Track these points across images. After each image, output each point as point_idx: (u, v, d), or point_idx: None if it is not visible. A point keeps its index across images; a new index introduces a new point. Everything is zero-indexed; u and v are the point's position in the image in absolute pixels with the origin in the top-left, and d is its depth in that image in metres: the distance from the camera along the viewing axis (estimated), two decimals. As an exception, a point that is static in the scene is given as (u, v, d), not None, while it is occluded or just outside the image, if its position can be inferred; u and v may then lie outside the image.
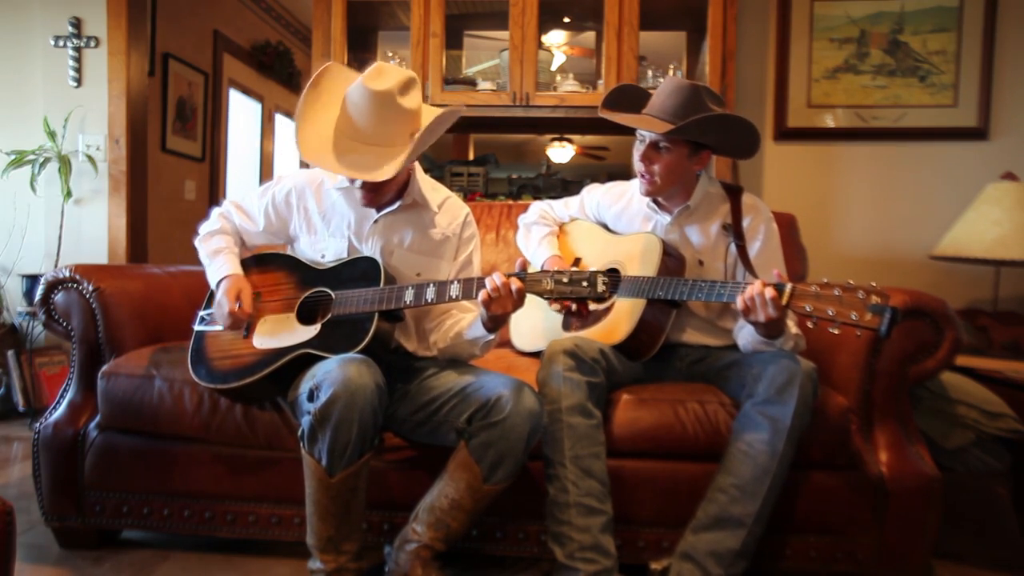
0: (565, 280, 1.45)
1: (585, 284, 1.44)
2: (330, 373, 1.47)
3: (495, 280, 1.49)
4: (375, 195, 1.67)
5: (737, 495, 1.54)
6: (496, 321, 1.58)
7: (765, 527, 1.56)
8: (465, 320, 1.71)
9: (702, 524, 1.57)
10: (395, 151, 1.58)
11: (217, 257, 1.78)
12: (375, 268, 1.65)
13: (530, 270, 1.54)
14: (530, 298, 2.11)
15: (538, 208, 2.17)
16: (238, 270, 1.76)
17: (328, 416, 1.45)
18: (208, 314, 1.82)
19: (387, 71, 1.58)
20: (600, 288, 1.43)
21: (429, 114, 1.64)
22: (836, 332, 1.41)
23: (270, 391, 1.72)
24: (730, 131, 1.73)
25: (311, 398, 1.49)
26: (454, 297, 1.54)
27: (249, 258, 1.84)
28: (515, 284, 1.50)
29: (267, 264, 1.82)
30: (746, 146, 1.76)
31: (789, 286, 1.47)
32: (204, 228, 1.85)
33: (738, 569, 1.54)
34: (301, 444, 1.53)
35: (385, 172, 1.55)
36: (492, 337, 1.65)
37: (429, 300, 1.56)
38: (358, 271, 1.67)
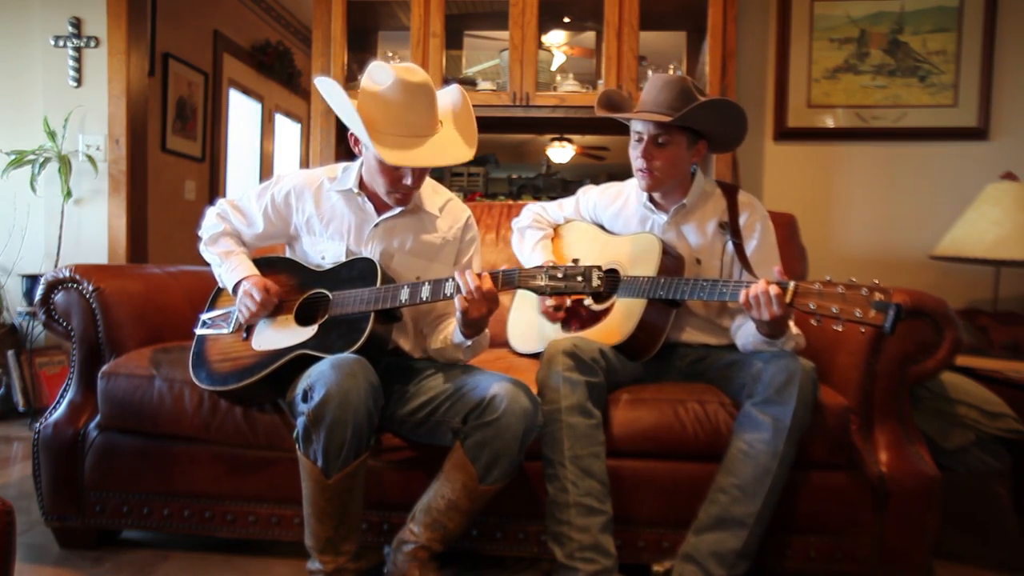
0: (560, 275, 1.40)
1: (580, 279, 1.38)
2: (323, 374, 1.46)
3: (468, 281, 1.46)
4: (415, 190, 1.68)
5: (738, 495, 1.54)
6: (471, 326, 1.57)
7: (766, 527, 1.56)
8: (452, 325, 1.69)
9: (704, 525, 1.57)
10: (445, 136, 1.63)
11: (230, 259, 1.76)
12: (372, 269, 1.65)
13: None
14: (529, 300, 2.13)
15: (531, 211, 2.16)
16: (256, 271, 1.76)
17: (322, 417, 1.45)
18: (210, 317, 1.81)
19: (405, 67, 1.58)
20: (595, 283, 1.37)
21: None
22: (840, 329, 1.41)
23: (269, 393, 1.72)
24: (725, 115, 1.76)
25: (305, 399, 1.48)
26: (448, 295, 1.53)
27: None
28: (486, 284, 1.46)
29: (267, 268, 1.81)
30: (737, 133, 1.81)
31: (792, 284, 1.47)
32: (205, 231, 1.82)
33: (740, 570, 1.54)
34: (297, 446, 1.52)
35: (470, 151, 1.62)
36: (470, 343, 1.64)
37: (424, 298, 1.55)
38: (356, 272, 1.67)
